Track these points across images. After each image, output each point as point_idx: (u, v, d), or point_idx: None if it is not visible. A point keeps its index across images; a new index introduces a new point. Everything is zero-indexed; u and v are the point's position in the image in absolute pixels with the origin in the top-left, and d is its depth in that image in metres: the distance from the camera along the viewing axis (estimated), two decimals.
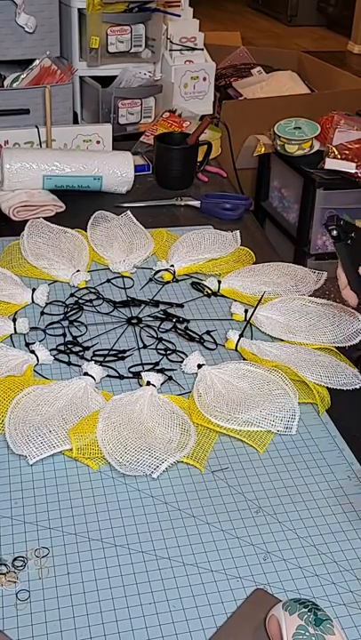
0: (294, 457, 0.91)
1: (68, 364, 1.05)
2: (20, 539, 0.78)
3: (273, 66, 3.15)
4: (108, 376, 1.03)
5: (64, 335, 1.11)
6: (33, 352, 1.04)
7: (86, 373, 1.00)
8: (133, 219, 1.41)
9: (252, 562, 0.77)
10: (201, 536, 0.79)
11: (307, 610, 0.66)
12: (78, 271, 1.24)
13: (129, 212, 1.43)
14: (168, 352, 1.09)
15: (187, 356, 1.05)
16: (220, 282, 1.23)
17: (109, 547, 0.78)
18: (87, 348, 1.08)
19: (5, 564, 0.75)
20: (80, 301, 1.19)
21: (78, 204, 1.47)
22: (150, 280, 1.26)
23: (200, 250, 1.32)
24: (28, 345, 1.07)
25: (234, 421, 0.93)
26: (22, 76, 1.74)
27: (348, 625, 0.71)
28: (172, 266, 1.27)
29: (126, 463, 0.86)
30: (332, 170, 2.32)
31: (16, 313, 1.16)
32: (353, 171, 2.28)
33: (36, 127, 1.61)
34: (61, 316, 1.15)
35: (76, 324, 1.14)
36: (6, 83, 1.76)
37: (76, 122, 1.84)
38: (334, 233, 0.93)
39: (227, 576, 0.75)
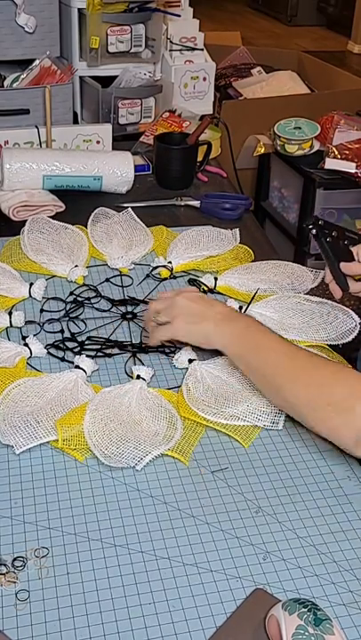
0: (294, 457, 0.91)
1: (62, 359, 1.05)
2: (19, 539, 0.78)
3: (273, 66, 3.14)
4: (98, 369, 1.03)
5: (62, 332, 1.12)
6: (27, 345, 1.05)
7: (78, 366, 1.01)
8: (134, 215, 1.42)
9: (252, 562, 0.77)
10: (200, 536, 0.79)
11: (306, 610, 0.66)
12: (76, 266, 1.24)
13: (130, 208, 1.43)
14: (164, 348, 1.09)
15: (179, 349, 1.06)
16: (216, 279, 1.24)
17: (109, 547, 0.78)
18: (83, 344, 1.09)
19: (5, 564, 0.75)
20: (79, 299, 1.20)
21: (78, 204, 1.47)
22: (147, 276, 1.27)
23: (199, 247, 1.32)
24: (24, 338, 1.08)
25: (220, 415, 0.93)
26: (22, 76, 1.74)
27: (348, 625, 0.71)
28: (170, 262, 1.28)
29: (111, 455, 0.86)
30: (333, 170, 2.31)
31: (13, 307, 1.16)
32: (353, 171, 2.28)
33: (36, 127, 1.61)
34: (60, 313, 1.16)
35: (74, 320, 1.14)
36: (6, 83, 1.76)
37: (76, 122, 1.84)
38: (314, 232, 1.05)
39: (226, 576, 0.75)
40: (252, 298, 1.15)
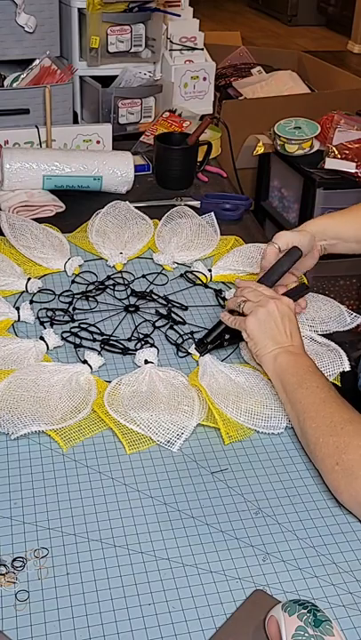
0: (294, 458, 0.91)
1: (79, 345, 1.08)
2: (19, 539, 0.78)
3: (273, 66, 3.14)
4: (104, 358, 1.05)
5: (73, 325, 1.13)
6: (42, 338, 1.06)
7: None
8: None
9: (252, 563, 0.77)
10: (200, 537, 0.79)
11: (306, 611, 0.66)
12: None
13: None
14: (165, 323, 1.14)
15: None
16: (210, 270, 1.26)
17: (109, 547, 0.78)
18: (97, 337, 1.10)
19: (5, 565, 0.75)
20: (88, 295, 1.21)
21: (78, 204, 1.47)
22: (181, 276, 1.28)
23: (248, 263, 1.30)
24: (42, 324, 1.12)
25: (122, 415, 0.93)
26: (22, 76, 1.74)
27: (348, 626, 0.71)
28: (210, 270, 1.27)
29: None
30: (333, 170, 2.31)
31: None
32: (353, 171, 2.28)
33: (36, 127, 1.61)
34: (67, 308, 1.18)
35: (81, 316, 1.16)
36: (6, 83, 1.76)
37: (76, 122, 1.84)
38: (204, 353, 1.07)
39: (226, 577, 0.75)
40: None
